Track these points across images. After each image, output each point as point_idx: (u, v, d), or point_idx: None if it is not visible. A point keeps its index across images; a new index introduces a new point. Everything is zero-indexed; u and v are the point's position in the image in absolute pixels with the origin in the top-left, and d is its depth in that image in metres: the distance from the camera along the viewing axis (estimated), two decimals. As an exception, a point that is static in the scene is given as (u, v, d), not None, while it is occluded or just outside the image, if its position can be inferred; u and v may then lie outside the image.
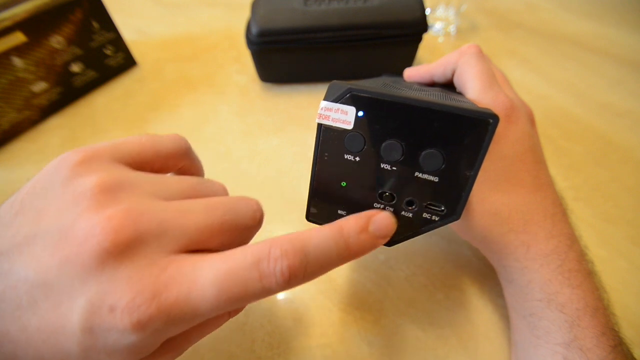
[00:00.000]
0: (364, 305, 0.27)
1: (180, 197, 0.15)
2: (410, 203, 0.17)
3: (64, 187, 0.14)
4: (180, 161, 0.18)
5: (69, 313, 0.12)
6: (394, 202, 0.18)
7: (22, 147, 0.39)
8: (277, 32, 0.39)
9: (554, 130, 0.38)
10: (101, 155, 0.15)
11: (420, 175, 0.17)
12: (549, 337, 0.19)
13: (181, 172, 0.19)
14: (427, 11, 0.45)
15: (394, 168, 0.17)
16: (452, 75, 0.25)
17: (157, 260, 0.13)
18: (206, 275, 0.12)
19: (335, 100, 0.17)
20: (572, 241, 0.21)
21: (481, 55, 0.24)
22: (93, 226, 0.12)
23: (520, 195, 0.21)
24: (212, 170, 0.37)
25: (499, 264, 0.23)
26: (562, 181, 0.33)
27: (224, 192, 0.18)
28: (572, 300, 0.19)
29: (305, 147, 0.38)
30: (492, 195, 0.21)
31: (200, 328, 0.16)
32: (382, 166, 0.17)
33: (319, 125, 0.17)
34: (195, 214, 0.14)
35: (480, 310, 0.26)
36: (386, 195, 0.18)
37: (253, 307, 0.27)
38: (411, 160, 0.17)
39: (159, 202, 0.14)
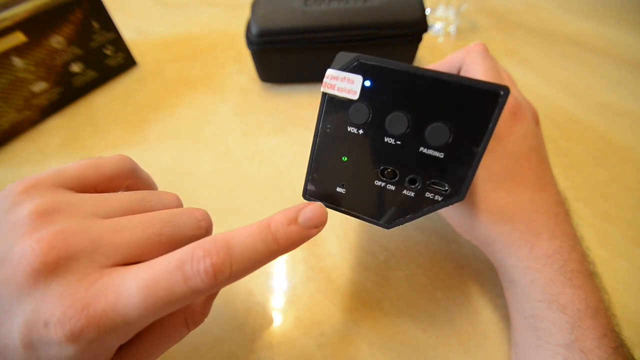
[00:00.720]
0: (364, 305, 0.27)
1: (120, 214, 0.16)
2: (412, 181, 0.17)
3: (5, 215, 0.14)
4: (124, 181, 0.19)
5: (10, 332, 0.13)
6: (396, 179, 0.17)
7: (22, 147, 0.39)
8: (277, 32, 0.39)
9: (554, 130, 0.38)
10: (42, 182, 0.15)
11: (425, 150, 0.16)
12: (550, 338, 0.19)
13: (128, 190, 0.20)
14: (427, 11, 0.45)
15: (398, 142, 0.16)
16: (458, 73, 0.25)
17: (87, 275, 0.13)
18: (132, 284, 0.13)
19: (342, 69, 0.16)
20: (575, 242, 0.21)
21: (487, 54, 0.24)
22: (25, 249, 0.13)
23: (524, 194, 0.21)
24: (212, 170, 0.37)
25: (501, 264, 0.23)
26: (562, 181, 0.33)
27: (176, 203, 0.18)
28: (573, 301, 0.19)
29: (305, 147, 0.38)
30: (496, 193, 0.21)
31: (156, 341, 0.16)
32: (386, 140, 0.17)
33: (323, 95, 0.17)
34: (130, 230, 0.15)
35: (480, 310, 0.26)
36: (388, 171, 0.17)
37: (253, 307, 0.27)
38: (417, 133, 0.16)
39: (94, 220, 0.15)
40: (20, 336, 0.12)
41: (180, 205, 0.19)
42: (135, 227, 0.15)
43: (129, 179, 0.19)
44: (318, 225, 0.16)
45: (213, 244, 0.14)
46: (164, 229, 0.15)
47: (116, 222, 0.15)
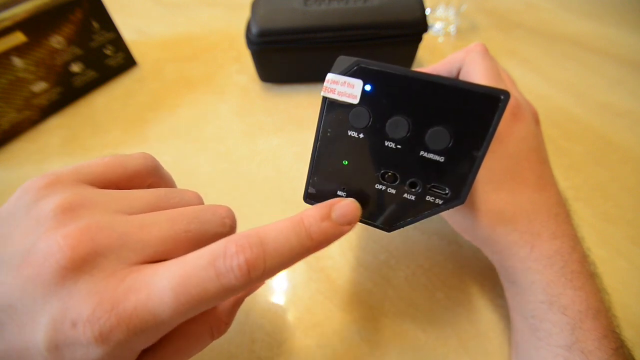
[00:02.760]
0: (364, 305, 0.27)
1: (144, 210, 0.15)
2: (413, 185, 0.17)
3: (27, 211, 0.14)
4: (147, 179, 0.18)
5: (33, 333, 0.12)
6: (396, 183, 0.17)
7: (22, 147, 0.39)
8: (277, 32, 0.39)
9: (554, 130, 0.38)
10: (64, 178, 0.15)
11: (425, 154, 0.16)
12: (551, 339, 0.19)
13: (150, 188, 0.19)
14: (427, 11, 0.45)
15: (398, 146, 0.16)
16: (458, 73, 0.25)
17: (115, 272, 0.13)
18: (163, 281, 0.12)
19: (343, 73, 0.16)
20: (576, 242, 0.21)
21: (487, 54, 0.24)
22: (51, 245, 0.12)
23: (524, 195, 0.21)
24: (212, 170, 0.37)
25: (501, 265, 0.23)
26: (562, 181, 0.33)
27: (197, 201, 0.18)
28: (574, 302, 0.19)
29: (305, 147, 0.38)
30: (496, 193, 0.21)
31: (179, 350, 0.16)
32: (386, 144, 0.17)
33: (324, 99, 0.17)
34: (157, 226, 0.14)
35: (480, 310, 0.26)
36: (389, 175, 0.17)
37: (253, 307, 0.27)
38: (417, 137, 0.16)
39: (120, 216, 0.14)
40: (45, 337, 0.12)
41: (201, 202, 0.18)
42: (162, 223, 0.14)
43: (151, 177, 0.18)
44: (351, 221, 0.16)
45: (246, 239, 0.13)
46: (191, 225, 0.15)
47: (142, 218, 0.14)
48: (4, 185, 0.36)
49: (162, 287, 0.12)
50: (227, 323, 0.18)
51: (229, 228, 0.16)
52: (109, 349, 0.12)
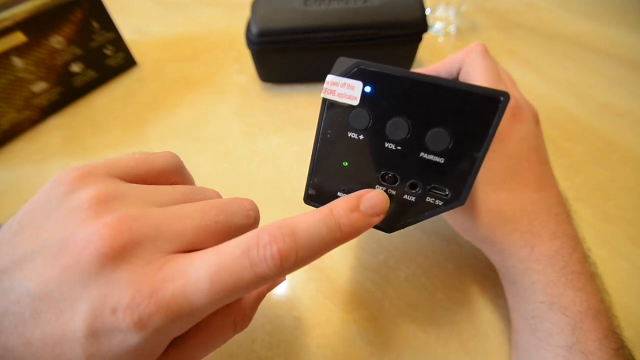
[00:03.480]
0: (364, 305, 0.27)
1: (173, 204, 0.16)
2: (413, 186, 0.17)
3: (61, 202, 0.14)
4: (172, 177, 0.19)
5: (71, 320, 0.12)
6: (396, 184, 0.17)
7: (22, 147, 0.39)
8: (277, 32, 0.39)
9: (554, 130, 0.38)
10: (96, 171, 0.15)
11: (425, 155, 0.16)
12: (551, 340, 0.19)
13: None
14: (427, 11, 0.45)
15: (398, 147, 0.16)
16: (458, 73, 0.25)
17: (153, 260, 0.13)
18: (199, 269, 0.13)
19: (343, 75, 0.16)
20: (576, 243, 0.21)
21: (487, 54, 0.24)
22: (91, 234, 0.13)
23: (524, 195, 0.21)
24: (212, 170, 0.37)
25: (502, 265, 0.23)
26: (562, 181, 0.33)
27: (218, 198, 0.19)
28: (575, 302, 0.19)
29: (305, 147, 0.38)
30: (496, 194, 0.21)
31: (203, 342, 0.16)
32: (386, 145, 0.17)
33: (324, 101, 0.17)
34: (189, 216, 0.15)
35: (480, 310, 0.26)
36: (389, 176, 0.17)
37: (253, 307, 0.27)
38: (417, 139, 0.16)
39: (153, 208, 0.15)
40: (84, 324, 0.12)
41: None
42: (193, 214, 0.15)
43: (176, 176, 0.19)
44: (380, 213, 0.16)
45: (278, 230, 0.14)
46: (220, 217, 0.15)
47: (174, 209, 0.15)
48: (4, 185, 0.36)
49: (198, 275, 0.13)
50: (250, 316, 0.18)
51: (253, 220, 0.17)
52: (147, 335, 0.12)
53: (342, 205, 0.15)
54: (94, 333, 0.12)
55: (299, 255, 0.14)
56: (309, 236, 0.14)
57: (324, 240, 0.14)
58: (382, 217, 0.16)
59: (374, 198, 0.16)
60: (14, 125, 0.39)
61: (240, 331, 0.17)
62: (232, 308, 0.17)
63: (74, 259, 0.12)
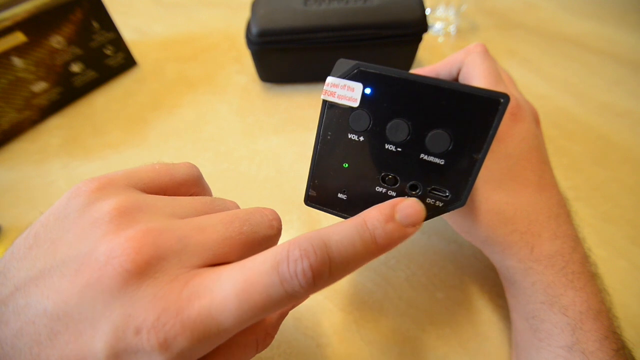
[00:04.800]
0: (364, 305, 0.27)
1: (194, 215, 0.15)
2: (413, 187, 0.17)
3: (80, 214, 0.13)
4: (191, 188, 0.18)
5: (92, 342, 0.11)
6: (397, 185, 0.17)
7: (22, 147, 0.39)
8: (277, 32, 0.39)
9: (554, 130, 0.38)
10: (116, 181, 0.15)
11: (425, 157, 0.16)
12: (552, 340, 0.19)
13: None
14: (427, 11, 0.45)
15: (398, 149, 0.17)
16: (458, 74, 0.25)
17: (178, 276, 0.12)
18: (226, 287, 0.12)
19: (342, 76, 0.16)
20: (576, 243, 0.21)
21: (487, 55, 0.24)
22: (113, 248, 0.12)
23: (524, 195, 0.21)
24: (212, 170, 0.37)
25: (502, 265, 0.23)
26: (562, 181, 0.33)
27: (236, 209, 0.18)
28: (575, 302, 0.19)
29: (305, 147, 0.38)
30: (496, 194, 0.21)
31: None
32: (386, 147, 0.17)
33: (324, 102, 0.17)
34: (213, 228, 0.14)
35: (480, 310, 0.26)
36: (389, 178, 0.17)
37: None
38: (417, 141, 0.16)
39: (176, 220, 0.14)
40: (106, 346, 0.11)
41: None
42: (217, 226, 0.14)
43: (195, 187, 0.18)
44: (416, 223, 0.15)
45: (309, 243, 0.13)
46: (243, 227, 0.15)
47: (197, 221, 0.14)
48: (4, 185, 0.36)
49: (225, 293, 0.12)
50: (272, 335, 0.17)
51: (276, 230, 0.16)
52: (171, 356, 0.11)
53: (376, 216, 0.14)
54: (116, 355, 0.11)
55: (332, 270, 0.13)
56: (343, 250, 0.13)
57: (358, 254, 0.13)
58: (418, 227, 0.15)
59: (410, 207, 0.15)
60: (14, 125, 0.39)
61: (262, 350, 0.16)
62: (256, 326, 0.16)
63: (95, 276, 0.12)
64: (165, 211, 0.14)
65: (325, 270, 0.12)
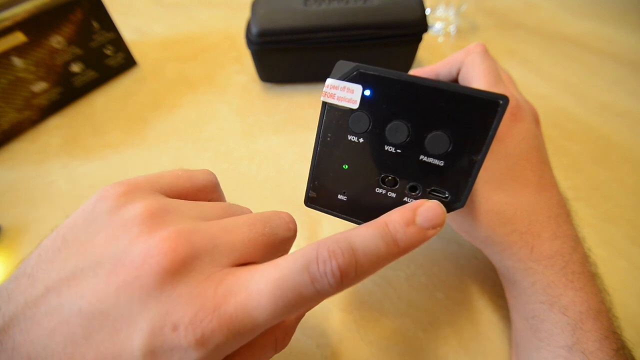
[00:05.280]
0: (364, 305, 0.27)
1: (216, 218, 0.16)
2: (413, 188, 0.17)
3: (110, 216, 0.14)
4: (210, 194, 0.19)
5: (129, 340, 0.12)
6: (396, 186, 0.17)
7: (22, 147, 0.39)
8: (277, 32, 0.39)
9: (554, 130, 0.38)
10: (141, 186, 0.15)
11: (425, 158, 0.16)
12: (552, 340, 0.19)
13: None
14: (427, 11, 0.45)
15: (398, 151, 0.17)
16: (458, 74, 0.25)
17: (212, 274, 0.13)
18: (260, 284, 0.12)
19: (342, 78, 0.16)
20: (576, 243, 0.21)
21: (487, 55, 0.24)
22: (149, 248, 0.12)
23: (524, 195, 0.21)
24: (212, 170, 0.37)
25: (502, 265, 0.23)
26: (562, 181, 0.33)
27: (250, 214, 0.19)
28: (575, 302, 0.19)
29: (305, 147, 0.38)
30: (496, 194, 0.21)
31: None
32: (386, 148, 0.17)
33: (324, 104, 0.17)
34: (239, 229, 0.15)
35: (480, 310, 0.26)
36: (389, 179, 0.17)
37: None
38: (417, 142, 0.16)
39: (203, 222, 0.15)
40: (143, 343, 0.11)
41: None
42: (242, 227, 0.15)
43: (213, 193, 0.19)
44: (437, 225, 0.15)
45: (337, 244, 0.13)
46: (265, 229, 0.15)
47: (224, 223, 0.15)
48: (4, 185, 0.36)
49: (259, 290, 0.12)
50: (290, 335, 0.17)
51: (293, 232, 0.17)
52: (206, 352, 0.12)
53: (397, 219, 0.15)
54: (153, 352, 0.11)
55: (358, 270, 0.13)
56: (367, 251, 0.14)
57: (381, 256, 0.14)
58: (439, 229, 0.15)
59: (431, 210, 0.15)
60: (14, 125, 0.39)
61: (280, 351, 0.17)
62: (275, 327, 0.16)
63: (132, 275, 0.12)
64: (191, 214, 0.15)
65: (351, 270, 0.13)
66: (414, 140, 0.16)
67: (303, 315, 0.19)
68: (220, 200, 0.20)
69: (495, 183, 0.21)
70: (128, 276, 0.12)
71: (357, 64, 0.16)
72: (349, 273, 0.13)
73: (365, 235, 0.14)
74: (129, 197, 0.14)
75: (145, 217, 0.13)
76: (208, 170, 0.19)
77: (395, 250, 0.14)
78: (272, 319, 0.12)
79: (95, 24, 0.43)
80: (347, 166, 0.18)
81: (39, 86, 0.40)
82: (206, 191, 0.18)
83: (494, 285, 0.27)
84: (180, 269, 0.12)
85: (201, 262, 0.13)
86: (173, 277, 0.12)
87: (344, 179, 0.18)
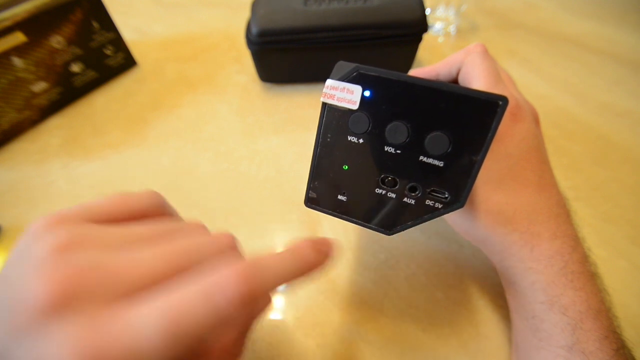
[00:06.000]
0: (364, 305, 0.27)
1: (144, 245, 0.15)
2: (413, 189, 0.17)
3: (28, 252, 0.13)
4: (155, 216, 0.18)
5: None
6: (396, 187, 0.17)
7: (22, 147, 0.39)
8: (277, 32, 0.39)
9: (554, 130, 0.38)
10: (68, 217, 0.15)
11: (425, 159, 0.16)
12: (551, 340, 0.19)
13: None
14: (427, 11, 0.45)
15: (398, 151, 0.17)
16: (458, 74, 0.25)
17: (98, 313, 0.12)
18: (149, 318, 0.12)
19: (342, 79, 0.16)
20: (576, 243, 0.21)
21: (487, 55, 0.24)
22: (31, 290, 0.12)
23: (524, 195, 0.21)
24: (212, 170, 0.37)
25: (502, 265, 0.23)
26: (562, 181, 0.33)
27: (200, 231, 0.18)
28: (575, 302, 0.19)
29: (305, 147, 0.38)
30: (496, 194, 0.21)
31: None
32: (386, 149, 0.17)
33: (323, 105, 0.17)
34: (152, 261, 0.14)
35: (480, 310, 0.26)
36: (389, 179, 0.17)
37: (253, 307, 0.27)
38: (416, 143, 0.16)
39: (115, 253, 0.14)
40: None
41: (206, 231, 0.18)
42: (157, 260, 0.14)
43: (157, 216, 0.18)
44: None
45: (244, 267, 0.13)
46: (190, 259, 0.14)
47: (139, 255, 0.14)
48: (4, 185, 0.36)
49: (147, 325, 0.11)
50: (237, 354, 0.17)
51: (229, 257, 0.16)
52: None
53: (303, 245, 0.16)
54: None
55: (259, 290, 0.13)
56: (269, 271, 0.14)
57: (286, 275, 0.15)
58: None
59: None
60: (14, 125, 0.39)
61: None
62: (212, 351, 0.16)
63: (11, 315, 0.12)
64: (107, 243, 0.14)
65: (254, 288, 0.13)
66: (413, 141, 0.16)
67: (249, 329, 0.18)
68: (169, 219, 0.19)
69: (495, 183, 0.21)
70: (12, 318, 0.12)
71: (356, 64, 0.16)
72: (251, 291, 0.13)
73: (272, 258, 0.15)
74: (48, 229, 0.14)
75: (49, 253, 0.13)
76: (151, 191, 0.18)
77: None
78: (167, 354, 0.11)
79: (95, 24, 0.43)
80: (347, 167, 0.18)
81: (39, 86, 0.40)
82: (146, 216, 0.17)
83: (494, 285, 0.27)
84: (58, 308, 0.11)
85: (87, 299, 0.12)
86: (50, 317, 0.11)
87: (344, 180, 0.18)
